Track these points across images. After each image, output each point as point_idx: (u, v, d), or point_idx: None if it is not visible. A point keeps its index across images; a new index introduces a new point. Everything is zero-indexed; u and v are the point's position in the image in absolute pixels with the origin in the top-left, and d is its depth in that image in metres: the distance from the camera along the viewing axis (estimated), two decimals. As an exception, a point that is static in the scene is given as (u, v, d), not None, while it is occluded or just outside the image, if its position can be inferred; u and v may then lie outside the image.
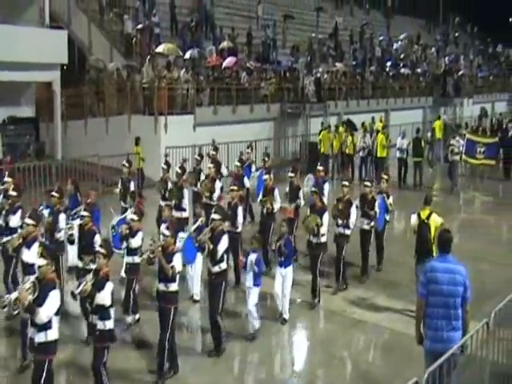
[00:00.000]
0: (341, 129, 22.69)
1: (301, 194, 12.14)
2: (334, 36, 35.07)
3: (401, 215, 16.12)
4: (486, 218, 16.23)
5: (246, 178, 14.02)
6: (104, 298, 6.88)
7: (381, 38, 38.94)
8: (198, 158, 15.07)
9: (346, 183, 11.20)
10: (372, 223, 11.33)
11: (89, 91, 22.54)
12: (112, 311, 7.04)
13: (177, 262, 7.70)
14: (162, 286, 7.76)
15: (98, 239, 8.62)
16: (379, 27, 42.51)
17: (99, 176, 17.64)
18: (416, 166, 20.35)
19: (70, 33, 23.03)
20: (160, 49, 21.91)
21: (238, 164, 14.19)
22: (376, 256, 12.11)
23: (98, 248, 7.40)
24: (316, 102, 24.84)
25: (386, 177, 12.03)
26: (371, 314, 10.03)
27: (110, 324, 7.01)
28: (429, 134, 26.09)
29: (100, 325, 7.00)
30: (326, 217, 10.21)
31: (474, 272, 11.56)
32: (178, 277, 7.81)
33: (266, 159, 14.77)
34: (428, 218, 9.47)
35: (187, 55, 23.12)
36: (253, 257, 8.95)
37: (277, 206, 11.84)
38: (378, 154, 20.81)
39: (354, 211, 10.81)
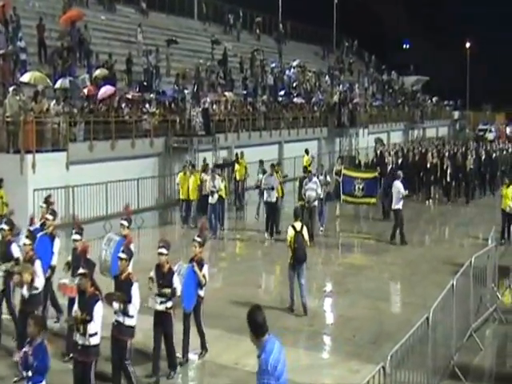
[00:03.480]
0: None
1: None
2: (223, 63, 36.00)
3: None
4: (377, 258, 16.98)
5: (14, 246, 10.59)
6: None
7: (273, 64, 40.49)
8: None
9: (123, 256, 8.83)
10: (169, 304, 9.27)
11: None
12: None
13: None
14: None
15: None
16: (271, 53, 44.19)
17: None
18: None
19: None
20: (26, 78, 21.51)
21: (5, 227, 10.64)
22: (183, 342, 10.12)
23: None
24: (204, 134, 25.29)
25: (198, 239, 10.05)
26: (265, 366, 10.23)
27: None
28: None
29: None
30: (100, 309, 8.03)
31: (373, 312, 12.43)
32: None
33: (50, 218, 11.59)
34: (301, 229, 12.13)
35: (58, 84, 22.82)
36: None
37: (40, 282, 9.66)
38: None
39: (134, 292, 8.60)
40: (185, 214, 20.68)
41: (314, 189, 17.85)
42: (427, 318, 8.22)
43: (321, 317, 12.62)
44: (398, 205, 17.84)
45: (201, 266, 9.88)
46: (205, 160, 22.85)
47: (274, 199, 18.63)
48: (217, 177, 19.34)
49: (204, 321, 10.16)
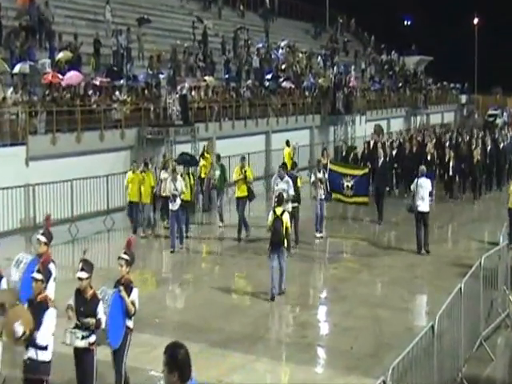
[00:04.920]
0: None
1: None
2: (203, 43, 35.95)
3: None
4: (374, 261, 16.93)
5: None
6: None
7: (259, 45, 40.41)
8: None
9: (37, 277, 8.14)
10: (92, 338, 8.41)
11: None
12: None
13: None
14: None
15: None
16: (256, 32, 44.13)
17: None
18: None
19: None
20: (-21, 63, 21.46)
21: None
22: None
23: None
24: (182, 124, 25.23)
25: (125, 257, 9.04)
26: (253, 381, 10.24)
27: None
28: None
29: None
30: None
31: (372, 321, 12.48)
32: None
33: None
34: (281, 214, 13.54)
35: (16, 70, 22.61)
36: None
37: None
38: (238, 193, 19.06)
39: (47, 319, 8.01)
40: (133, 219, 19.43)
41: (286, 190, 16.54)
42: (432, 326, 8.28)
43: (314, 327, 12.67)
44: (427, 207, 17.09)
45: (129, 290, 8.86)
46: (165, 155, 22.45)
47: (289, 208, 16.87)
48: (179, 177, 17.96)
49: (127, 356, 9.07)
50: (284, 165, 18.43)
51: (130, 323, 9.02)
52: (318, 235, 18.87)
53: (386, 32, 60.01)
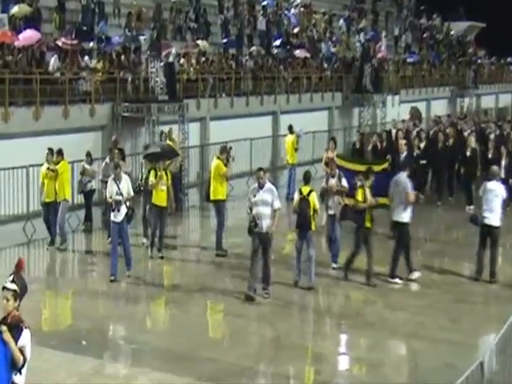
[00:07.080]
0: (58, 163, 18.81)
1: None
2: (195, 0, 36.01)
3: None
4: (406, 279, 16.73)
5: None
6: None
7: (264, 2, 40.38)
8: None
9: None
10: None
11: None
12: None
13: None
14: None
15: None
16: (263, -14, 44.17)
17: None
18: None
19: None
20: None
21: None
22: None
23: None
24: (167, 100, 25.35)
25: (12, 286, 7.62)
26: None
27: None
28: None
29: None
30: None
31: (403, 354, 12.55)
32: None
33: None
34: (309, 194, 15.20)
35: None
36: None
37: None
38: (216, 196, 18.40)
39: None
40: (49, 226, 18.77)
41: (269, 203, 14.94)
42: (481, 364, 8.29)
43: (331, 361, 12.69)
44: (498, 220, 16.18)
45: (18, 333, 7.60)
46: (117, 142, 21.52)
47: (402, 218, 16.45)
48: (124, 176, 16.65)
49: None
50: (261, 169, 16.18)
51: (18, 379, 7.67)
52: (335, 266, 17.31)
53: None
